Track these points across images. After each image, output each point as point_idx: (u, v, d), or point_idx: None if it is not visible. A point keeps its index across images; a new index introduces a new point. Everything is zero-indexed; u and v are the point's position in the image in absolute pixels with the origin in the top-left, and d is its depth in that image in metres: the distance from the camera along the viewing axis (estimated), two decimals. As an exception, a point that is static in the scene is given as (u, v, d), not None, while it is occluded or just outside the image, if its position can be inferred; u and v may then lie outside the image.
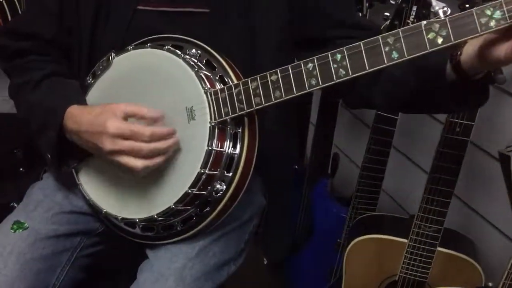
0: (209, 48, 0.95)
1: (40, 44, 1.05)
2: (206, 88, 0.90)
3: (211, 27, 0.99)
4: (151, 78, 0.96)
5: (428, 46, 0.73)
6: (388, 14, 1.29)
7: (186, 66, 0.91)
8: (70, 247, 1.05)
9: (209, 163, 0.89)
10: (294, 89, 0.83)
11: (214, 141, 0.89)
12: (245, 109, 0.87)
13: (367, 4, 1.45)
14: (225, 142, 0.91)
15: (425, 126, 1.56)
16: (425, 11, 1.19)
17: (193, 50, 0.95)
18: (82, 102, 0.98)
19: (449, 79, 0.82)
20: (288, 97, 0.84)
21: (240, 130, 0.92)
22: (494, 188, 1.35)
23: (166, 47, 0.94)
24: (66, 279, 1.04)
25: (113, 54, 0.99)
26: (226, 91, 0.89)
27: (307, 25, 1.02)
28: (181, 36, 0.97)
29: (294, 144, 1.37)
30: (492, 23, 0.69)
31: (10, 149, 1.74)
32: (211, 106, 0.89)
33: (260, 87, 0.85)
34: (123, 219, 0.98)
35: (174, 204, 0.91)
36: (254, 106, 0.87)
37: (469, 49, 0.77)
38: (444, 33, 0.72)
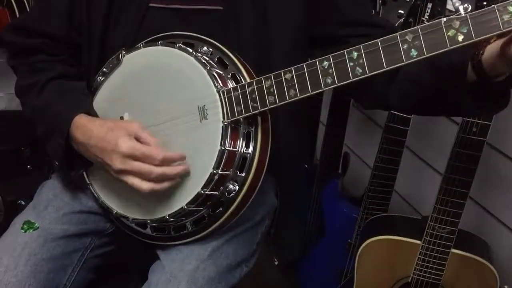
0: (220, 46, 0.94)
1: (50, 43, 1.04)
2: (219, 86, 0.88)
3: (224, 25, 0.98)
4: (162, 76, 0.94)
5: (448, 44, 0.71)
6: (402, 11, 1.28)
7: (198, 64, 0.90)
8: (80, 247, 1.05)
9: (222, 163, 0.87)
10: (309, 88, 0.81)
11: (227, 141, 0.87)
12: (259, 108, 0.86)
13: (380, 2, 1.43)
14: (238, 142, 0.89)
15: (439, 126, 1.54)
16: (440, 8, 1.17)
17: (205, 48, 0.94)
18: (90, 109, 0.97)
19: (470, 80, 0.80)
20: (303, 96, 0.82)
21: (253, 129, 0.90)
22: (509, 189, 1.33)
23: (177, 44, 0.93)
24: (76, 280, 1.03)
25: (123, 52, 0.97)
26: (239, 89, 0.87)
27: (321, 24, 1.00)
28: (192, 34, 0.95)
29: (306, 144, 1.36)
30: (515, 20, 0.67)
31: (17, 147, 1.74)
32: (224, 105, 0.88)
33: (274, 85, 0.84)
34: (134, 219, 0.97)
35: (186, 205, 0.89)
36: (268, 105, 0.85)
37: (492, 48, 0.75)
38: (465, 30, 0.70)
